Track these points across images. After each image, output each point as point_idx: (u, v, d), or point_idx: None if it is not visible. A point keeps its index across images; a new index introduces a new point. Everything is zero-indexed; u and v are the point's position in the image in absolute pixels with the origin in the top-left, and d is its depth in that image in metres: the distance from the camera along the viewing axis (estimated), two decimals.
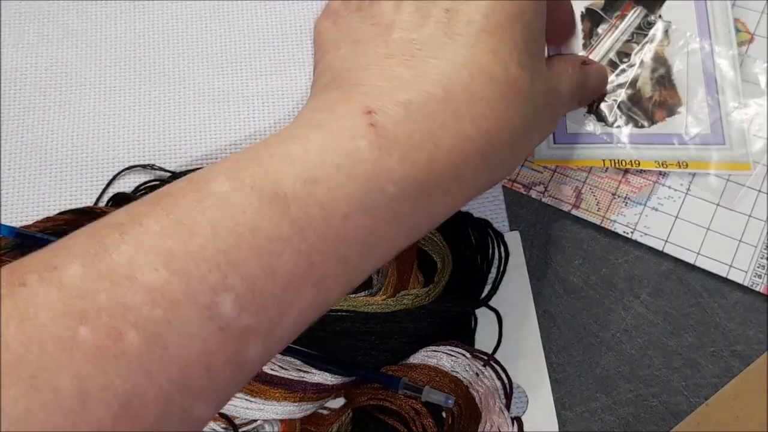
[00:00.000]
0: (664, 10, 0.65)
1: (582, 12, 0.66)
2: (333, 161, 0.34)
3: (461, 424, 0.48)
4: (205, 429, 0.47)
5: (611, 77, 0.63)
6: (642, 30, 0.65)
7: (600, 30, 0.65)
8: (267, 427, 0.48)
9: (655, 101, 0.62)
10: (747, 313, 0.55)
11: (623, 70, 0.64)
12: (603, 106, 0.62)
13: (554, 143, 0.61)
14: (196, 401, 0.31)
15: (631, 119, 0.61)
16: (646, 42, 0.64)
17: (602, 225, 0.58)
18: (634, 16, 0.64)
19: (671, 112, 0.62)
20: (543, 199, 0.59)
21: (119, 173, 0.59)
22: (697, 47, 0.64)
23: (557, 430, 0.50)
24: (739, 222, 0.58)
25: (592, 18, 0.66)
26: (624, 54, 0.64)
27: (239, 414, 0.48)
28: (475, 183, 0.40)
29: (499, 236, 0.55)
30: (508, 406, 0.49)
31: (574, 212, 0.58)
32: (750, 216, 0.58)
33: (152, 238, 0.31)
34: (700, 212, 0.58)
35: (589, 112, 0.62)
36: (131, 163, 0.59)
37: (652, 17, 0.65)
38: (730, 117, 0.61)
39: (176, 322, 0.30)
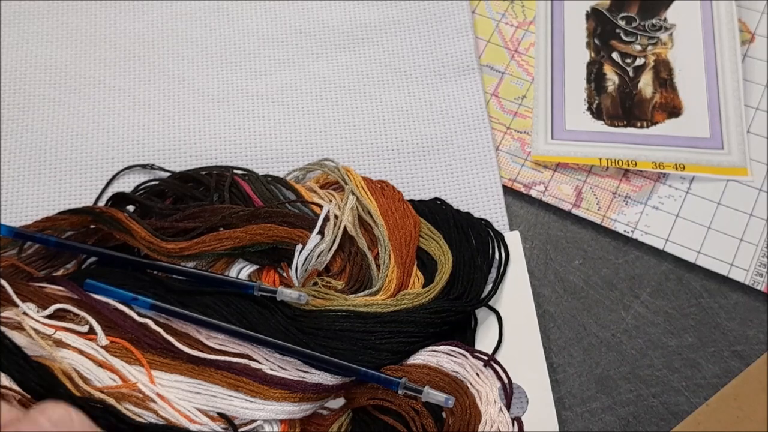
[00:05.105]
0: (670, 11, 0.65)
1: (587, 11, 0.66)
2: None
3: (461, 424, 0.48)
4: (204, 429, 0.47)
5: (612, 76, 0.63)
6: (646, 31, 0.65)
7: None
8: (267, 427, 0.48)
9: (656, 103, 0.62)
10: (747, 313, 0.55)
11: (625, 70, 0.64)
12: (603, 104, 0.62)
13: (552, 138, 0.61)
14: None
15: (630, 119, 0.61)
16: (650, 44, 0.64)
17: (603, 224, 0.58)
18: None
19: (671, 114, 0.61)
20: (543, 198, 0.59)
21: (119, 173, 0.59)
22: (701, 51, 0.64)
23: (557, 430, 0.50)
24: (740, 221, 0.58)
25: (597, 18, 0.65)
26: (627, 55, 0.64)
27: (239, 414, 0.47)
28: None
29: (499, 236, 0.55)
30: (508, 406, 0.49)
31: (575, 211, 0.58)
32: (751, 215, 0.58)
33: None
34: (701, 211, 0.58)
35: (589, 109, 0.62)
36: (131, 163, 0.59)
37: (657, 19, 0.65)
38: (730, 122, 0.61)
39: None
